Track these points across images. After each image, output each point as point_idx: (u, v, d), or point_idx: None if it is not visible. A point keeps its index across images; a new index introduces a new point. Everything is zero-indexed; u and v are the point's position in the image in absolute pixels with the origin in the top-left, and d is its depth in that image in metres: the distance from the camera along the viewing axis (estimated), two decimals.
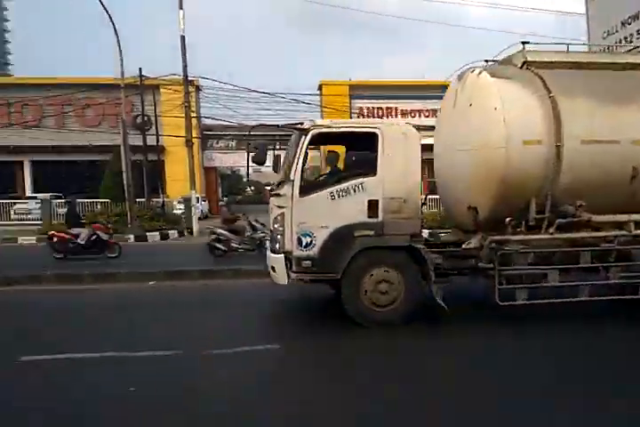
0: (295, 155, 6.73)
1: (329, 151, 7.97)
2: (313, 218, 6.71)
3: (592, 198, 7.11)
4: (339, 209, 6.71)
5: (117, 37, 19.83)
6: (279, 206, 6.84)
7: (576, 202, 7.08)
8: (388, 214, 6.76)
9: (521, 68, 7.64)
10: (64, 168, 32.42)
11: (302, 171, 6.75)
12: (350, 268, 6.73)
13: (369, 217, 6.74)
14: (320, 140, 7.00)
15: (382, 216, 6.75)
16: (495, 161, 6.99)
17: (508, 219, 7.05)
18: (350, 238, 6.71)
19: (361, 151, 7.06)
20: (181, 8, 22.46)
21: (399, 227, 6.81)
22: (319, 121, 7.05)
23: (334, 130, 6.90)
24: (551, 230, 7.10)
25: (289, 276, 6.81)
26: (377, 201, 6.73)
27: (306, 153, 6.75)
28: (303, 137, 6.74)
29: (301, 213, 6.72)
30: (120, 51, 19.87)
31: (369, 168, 6.79)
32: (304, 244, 6.70)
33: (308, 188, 6.76)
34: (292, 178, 6.70)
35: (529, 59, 7.59)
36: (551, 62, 7.61)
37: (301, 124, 6.92)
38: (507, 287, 6.96)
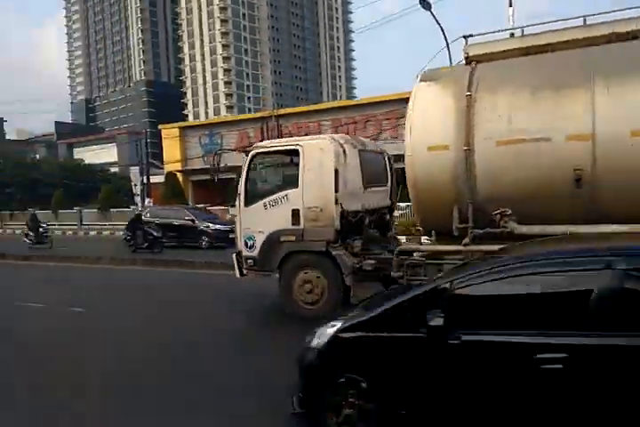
0: (242, 172, 8.06)
1: None
2: (253, 224, 7.94)
3: (525, 207, 6.23)
4: (271, 217, 7.75)
5: (449, 49, 22.07)
6: (233, 215, 8.28)
7: (500, 210, 6.34)
8: (307, 222, 7.46)
9: (466, 64, 7.05)
10: None
11: (246, 185, 8.02)
12: (283, 268, 7.71)
13: (292, 224, 7.57)
14: (263, 158, 8.11)
15: (303, 224, 7.49)
16: (408, 168, 6.87)
17: (415, 227, 6.82)
18: (278, 243, 7.68)
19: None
20: (511, 5, 23.18)
21: (317, 233, 7.42)
22: (262, 143, 8.15)
23: (269, 149, 7.95)
24: (465, 241, 6.52)
25: (241, 272, 8.20)
26: (298, 210, 7.51)
27: (248, 170, 8.00)
28: (246, 157, 8.01)
29: (246, 220, 8.03)
30: (450, 63, 22.17)
31: (293, 181, 7.61)
32: (249, 245, 8.00)
33: (250, 199, 8.00)
34: (239, 191, 8.07)
35: (470, 53, 6.95)
36: (495, 53, 6.80)
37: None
38: None
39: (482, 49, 6.93)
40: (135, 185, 32.31)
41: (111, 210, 32.86)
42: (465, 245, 6.54)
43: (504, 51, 6.80)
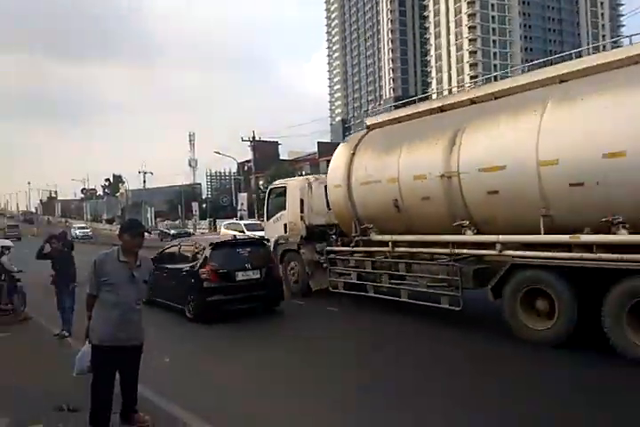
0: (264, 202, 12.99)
1: None
2: (270, 232, 12.78)
3: (386, 223, 9.80)
4: (276, 228, 12.51)
5: None
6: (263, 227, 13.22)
7: (365, 225, 10.03)
8: (290, 231, 12.00)
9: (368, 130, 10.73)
10: None
11: (267, 207, 12.92)
12: (282, 260, 12.36)
13: (284, 232, 12.20)
14: (275, 192, 12.86)
15: (288, 232, 12.06)
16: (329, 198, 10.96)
17: (332, 235, 10.82)
18: (278, 244, 12.37)
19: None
20: None
21: (293, 238, 11.90)
22: (275, 182, 12.89)
23: (276, 186, 12.70)
24: (351, 245, 10.30)
25: None
26: (286, 224, 12.12)
27: (268, 198, 12.89)
28: (267, 190, 12.92)
29: (267, 229, 12.94)
30: None
31: (284, 206, 12.23)
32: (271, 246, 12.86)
33: (269, 216, 12.88)
34: (264, 212, 13.01)
35: (367, 123, 10.63)
36: (378, 122, 10.36)
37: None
38: (332, 280, 10.77)
39: (372, 120, 10.60)
40: None
41: None
42: (352, 247, 10.36)
43: (383, 121, 10.35)
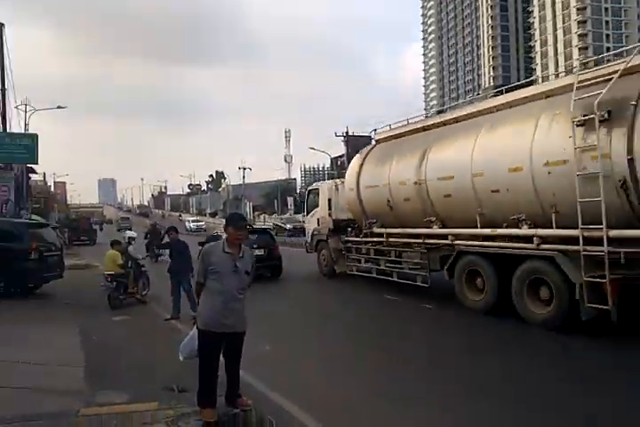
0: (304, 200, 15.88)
1: None
2: (309, 225, 15.69)
3: (384, 219, 12.32)
4: (312, 221, 15.39)
5: None
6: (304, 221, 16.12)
7: (369, 220, 12.59)
8: (321, 224, 14.82)
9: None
10: None
11: (307, 205, 15.80)
12: (317, 248, 15.21)
13: (317, 225, 15.03)
14: (312, 192, 15.68)
15: (320, 225, 14.88)
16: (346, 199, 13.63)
17: (349, 228, 13.47)
18: (313, 235, 15.24)
19: None
20: None
21: (323, 231, 14.69)
22: (313, 184, 15.67)
23: (312, 188, 15.54)
24: (361, 235, 12.90)
25: (307, 250, 15.94)
26: (319, 218, 14.95)
27: (307, 197, 15.76)
28: (306, 191, 15.79)
29: (307, 223, 15.88)
30: None
31: (318, 204, 15.04)
32: (308, 237, 15.76)
33: (308, 212, 15.77)
34: (305, 208, 15.92)
35: (375, 137, 13.12)
36: (383, 137, 12.82)
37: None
38: (348, 264, 13.45)
39: (379, 135, 13.06)
40: None
41: None
42: (362, 237, 12.97)
43: (386, 137, 12.79)
